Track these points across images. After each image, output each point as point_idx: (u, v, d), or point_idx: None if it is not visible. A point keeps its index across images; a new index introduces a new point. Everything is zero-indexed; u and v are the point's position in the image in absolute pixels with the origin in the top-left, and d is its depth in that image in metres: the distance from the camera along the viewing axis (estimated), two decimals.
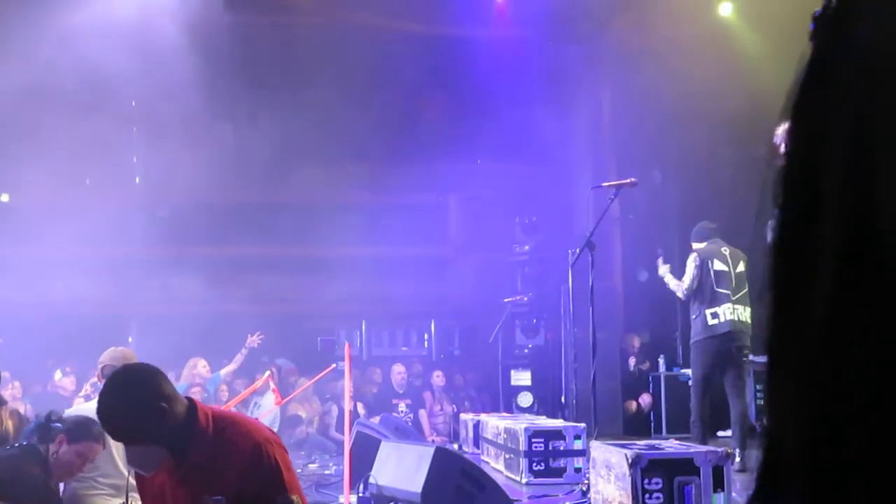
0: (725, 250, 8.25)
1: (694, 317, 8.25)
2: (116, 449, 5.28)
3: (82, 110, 10.57)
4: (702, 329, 8.10)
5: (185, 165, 10.78)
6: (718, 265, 8.14)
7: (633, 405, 12.06)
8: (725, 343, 8.04)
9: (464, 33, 12.23)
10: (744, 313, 8.09)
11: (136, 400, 3.07)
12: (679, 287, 8.33)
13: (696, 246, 8.36)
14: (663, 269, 8.58)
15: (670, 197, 12.60)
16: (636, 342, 12.50)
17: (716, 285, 8.06)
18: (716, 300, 8.04)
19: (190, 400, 3.25)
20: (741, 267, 8.23)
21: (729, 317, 8.01)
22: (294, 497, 3.11)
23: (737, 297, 8.09)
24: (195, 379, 10.75)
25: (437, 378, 11.95)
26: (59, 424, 4.56)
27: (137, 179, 12.72)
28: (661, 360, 12.10)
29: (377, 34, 12.27)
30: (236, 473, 3.07)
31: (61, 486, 5.27)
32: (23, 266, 10.35)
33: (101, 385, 5.44)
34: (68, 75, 10.13)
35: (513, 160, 12.55)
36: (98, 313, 11.10)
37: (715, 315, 8.02)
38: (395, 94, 12.22)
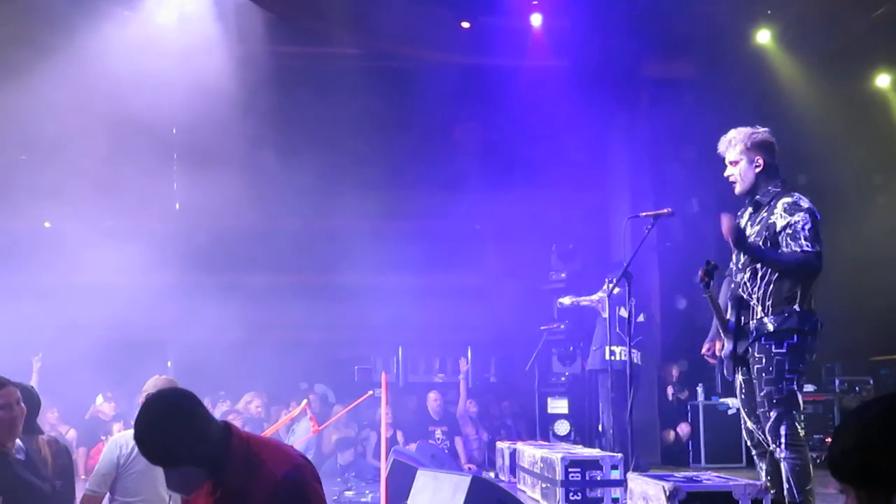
0: (632, 301, 9.58)
1: (594, 349, 9.77)
2: (158, 476, 5.32)
3: (124, 137, 10.71)
4: (599, 361, 9.70)
5: (225, 192, 10.88)
6: (623, 312, 9.38)
7: (671, 434, 11.96)
8: (620, 376, 9.22)
9: (501, 63, 12.28)
10: (637, 356, 9.57)
11: (170, 425, 3.10)
12: (580, 299, 9.89)
13: (606, 288, 9.64)
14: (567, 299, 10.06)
15: (708, 225, 12.50)
16: (675, 371, 12.41)
17: (619, 328, 9.41)
18: (615, 340, 9.45)
19: (226, 424, 3.27)
20: (641, 318, 9.85)
21: (623, 357, 9.17)
22: None
23: (634, 342, 9.17)
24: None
25: (469, 405, 11.92)
26: None
27: (177, 206, 12.86)
28: (699, 389, 11.99)
29: (415, 64, 12.35)
30: (264, 500, 3.07)
31: None
32: (63, 291, 10.47)
33: None
34: (110, 103, 10.29)
35: (549, 188, 12.54)
36: (137, 338, 11.20)
37: (612, 353, 9.46)
38: (431, 122, 12.28)
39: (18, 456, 4.66)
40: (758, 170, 5.34)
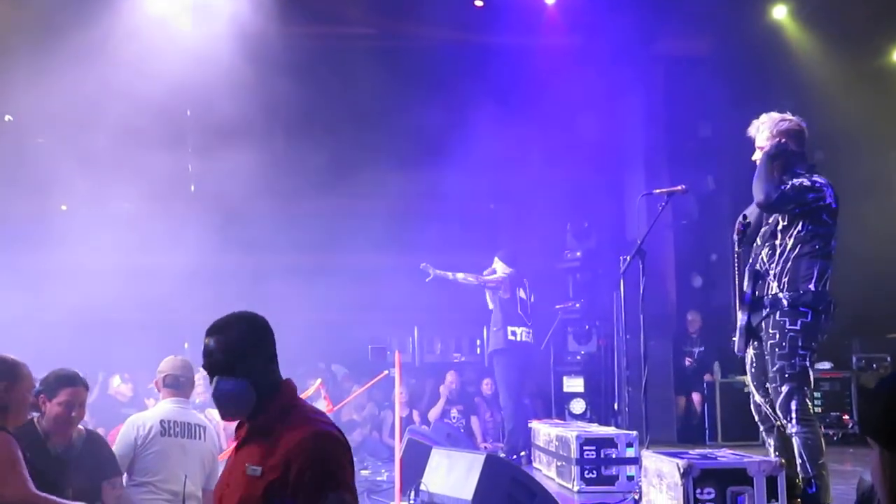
0: (526, 281, 9.94)
1: (496, 329, 9.75)
2: (176, 456, 5.37)
3: (138, 119, 10.71)
4: (503, 341, 9.61)
5: (240, 174, 10.89)
6: (522, 294, 9.85)
7: (683, 401, 11.93)
8: (520, 357, 9.70)
9: (515, 41, 12.20)
10: (530, 335, 9.76)
11: (244, 328, 3.28)
12: (472, 277, 9.96)
13: (505, 267, 9.91)
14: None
15: (723, 202, 12.46)
16: (696, 319, 12.24)
17: (519, 309, 9.73)
18: (516, 321, 9.65)
19: (289, 380, 3.34)
20: (533, 298, 9.99)
21: (524, 338, 9.68)
22: (347, 496, 3.09)
23: (531, 322, 9.80)
24: None
25: (486, 386, 11.93)
26: (36, 387, 4.60)
27: (192, 188, 12.87)
28: (716, 367, 11.97)
29: (427, 43, 12.31)
30: (284, 453, 3.06)
31: None
32: (80, 274, 10.51)
33: (159, 393, 5.65)
34: (124, 85, 10.30)
35: (564, 166, 12.49)
36: (154, 320, 11.25)
37: (514, 333, 9.61)
38: (445, 101, 12.24)
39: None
40: None
